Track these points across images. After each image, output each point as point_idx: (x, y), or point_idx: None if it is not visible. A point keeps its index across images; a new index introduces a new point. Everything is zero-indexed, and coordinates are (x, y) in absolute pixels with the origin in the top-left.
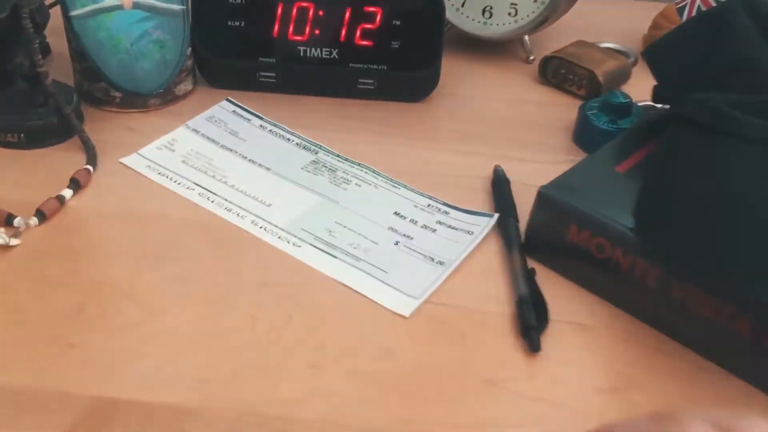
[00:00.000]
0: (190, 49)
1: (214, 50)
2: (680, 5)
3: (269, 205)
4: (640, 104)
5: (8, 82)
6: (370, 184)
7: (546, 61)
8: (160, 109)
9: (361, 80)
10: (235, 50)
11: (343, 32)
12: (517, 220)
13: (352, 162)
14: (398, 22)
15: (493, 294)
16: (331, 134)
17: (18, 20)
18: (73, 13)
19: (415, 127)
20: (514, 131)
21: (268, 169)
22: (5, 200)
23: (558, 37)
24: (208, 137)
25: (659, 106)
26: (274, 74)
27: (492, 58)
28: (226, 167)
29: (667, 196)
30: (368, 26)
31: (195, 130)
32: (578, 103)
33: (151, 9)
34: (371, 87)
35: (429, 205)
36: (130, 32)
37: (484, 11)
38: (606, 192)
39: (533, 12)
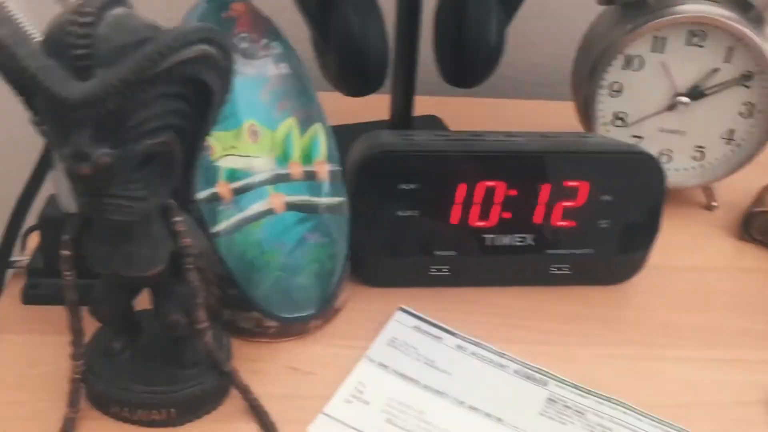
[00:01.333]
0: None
1: (378, 247)
2: None
3: None
4: None
5: (136, 334)
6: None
7: (751, 218)
8: (320, 330)
9: (553, 266)
10: (403, 245)
11: (539, 213)
12: None
13: (599, 396)
14: (609, 198)
15: None
16: (542, 347)
17: (179, 270)
18: (217, 228)
19: (635, 325)
20: (750, 319)
21: (499, 420)
22: None
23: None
24: (402, 375)
25: None
26: (448, 267)
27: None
28: (446, 424)
29: None
30: (570, 204)
31: (382, 365)
32: None
33: (305, 208)
34: (567, 272)
35: None
36: (284, 242)
37: (660, 155)
38: None
39: (725, 155)
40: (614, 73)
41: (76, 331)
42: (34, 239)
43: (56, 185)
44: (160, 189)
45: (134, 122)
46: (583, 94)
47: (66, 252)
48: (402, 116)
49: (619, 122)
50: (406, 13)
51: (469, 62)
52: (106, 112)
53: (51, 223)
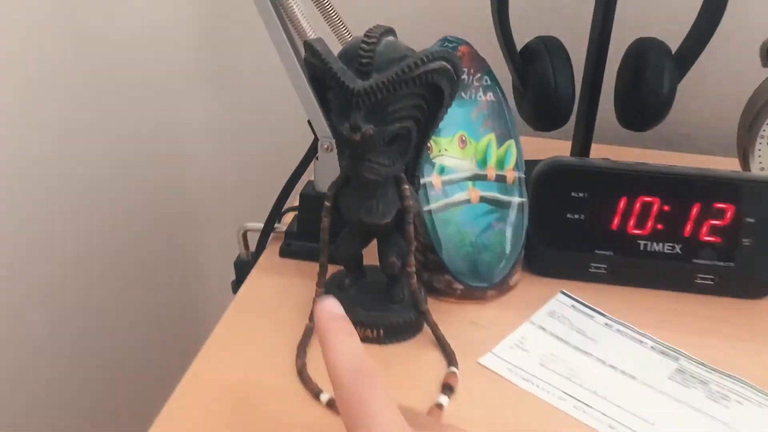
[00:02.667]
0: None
1: (548, 242)
2: None
3: (653, 424)
4: None
5: (361, 276)
6: (752, 402)
7: None
8: (496, 299)
9: (699, 275)
10: (569, 242)
11: (689, 228)
12: None
13: (723, 373)
14: (751, 220)
15: None
16: (678, 336)
17: (400, 225)
18: (428, 207)
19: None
20: None
21: (632, 377)
22: None
23: None
24: (556, 336)
25: None
26: (605, 266)
27: None
28: (588, 373)
29: None
30: (716, 222)
31: (541, 327)
32: None
33: (494, 202)
34: (710, 283)
35: None
36: (476, 225)
37: None
38: None
39: None
40: None
41: (323, 264)
42: (286, 218)
43: (315, 173)
44: (398, 162)
45: (391, 110)
46: (743, 146)
47: (328, 203)
48: (579, 156)
49: None
50: (592, 69)
51: (644, 109)
52: (375, 100)
53: (308, 200)
